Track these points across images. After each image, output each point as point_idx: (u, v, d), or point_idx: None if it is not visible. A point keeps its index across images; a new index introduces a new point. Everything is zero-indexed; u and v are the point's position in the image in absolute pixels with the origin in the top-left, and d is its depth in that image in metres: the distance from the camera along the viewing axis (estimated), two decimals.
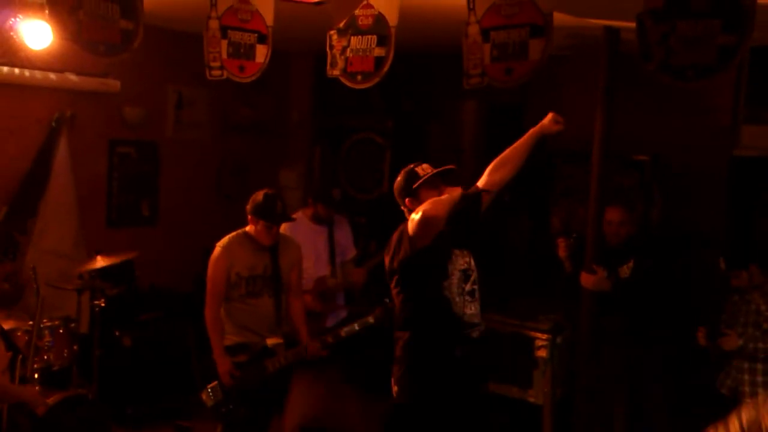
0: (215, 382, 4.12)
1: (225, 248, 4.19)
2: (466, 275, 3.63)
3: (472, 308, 3.64)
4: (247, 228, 4.25)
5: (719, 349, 3.96)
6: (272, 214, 4.14)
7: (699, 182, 5.27)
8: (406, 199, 3.64)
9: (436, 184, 3.59)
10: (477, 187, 3.72)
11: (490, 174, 3.73)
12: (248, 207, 4.20)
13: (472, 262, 3.68)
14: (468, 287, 3.63)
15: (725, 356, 4.04)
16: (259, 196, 4.18)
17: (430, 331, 3.59)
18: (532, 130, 3.78)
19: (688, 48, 2.83)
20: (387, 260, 3.69)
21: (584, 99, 4.34)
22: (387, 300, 3.83)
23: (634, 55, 2.96)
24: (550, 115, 3.76)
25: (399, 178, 3.70)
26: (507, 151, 3.76)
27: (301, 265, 4.51)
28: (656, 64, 2.90)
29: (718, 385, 4.07)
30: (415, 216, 3.47)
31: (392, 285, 3.70)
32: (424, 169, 3.64)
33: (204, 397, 4.13)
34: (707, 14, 2.77)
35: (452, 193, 3.50)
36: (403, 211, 3.69)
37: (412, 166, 3.69)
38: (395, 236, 3.66)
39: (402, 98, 6.75)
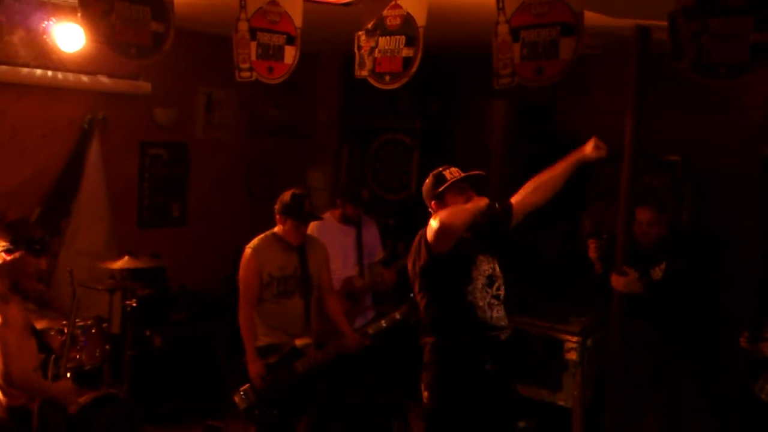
0: (247, 385, 4.13)
1: (255, 250, 4.21)
2: (491, 280, 3.61)
3: (498, 311, 3.62)
4: (276, 229, 4.27)
5: (761, 354, 3.89)
6: (300, 212, 4.16)
7: (732, 182, 5.19)
8: (432, 202, 3.63)
9: (462, 189, 3.56)
10: (510, 203, 3.69)
11: (525, 196, 3.71)
12: (276, 207, 4.23)
13: (497, 268, 3.66)
14: (493, 291, 3.61)
15: (766, 361, 3.96)
16: (287, 195, 4.21)
17: (455, 334, 3.57)
18: (572, 157, 3.71)
19: (720, 46, 2.79)
20: (409, 265, 3.69)
21: (615, 98, 4.29)
22: (412, 295, 3.82)
23: (666, 53, 2.92)
24: (592, 141, 3.69)
25: (427, 181, 3.68)
26: (544, 176, 3.72)
27: (329, 265, 4.52)
28: (688, 62, 2.87)
29: (757, 390, 3.99)
30: (433, 223, 3.44)
31: (415, 290, 3.69)
32: (452, 173, 3.61)
33: (237, 399, 4.15)
34: (739, 11, 2.73)
35: (477, 203, 3.46)
36: (430, 213, 3.67)
37: (440, 169, 3.66)
38: (416, 241, 3.65)
39: (430, 99, 6.74)
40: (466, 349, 3.56)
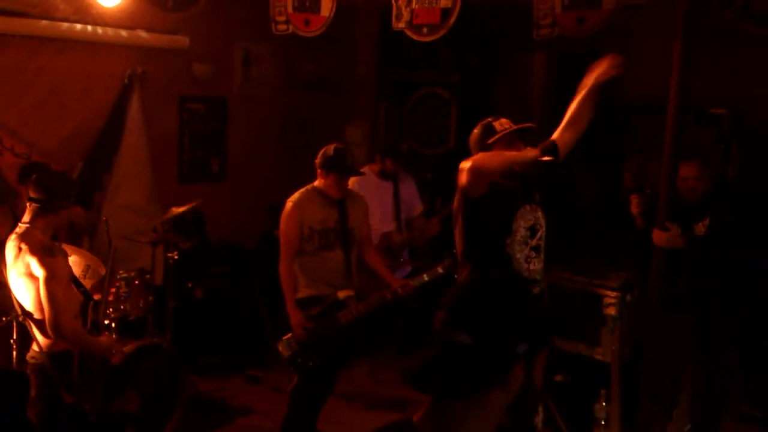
0: (290, 334, 4.20)
1: (296, 203, 4.24)
2: (533, 231, 3.57)
3: (535, 264, 3.59)
4: (316, 183, 4.29)
5: None
6: (343, 166, 4.17)
7: None
8: (480, 153, 3.55)
9: (512, 141, 3.50)
10: (553, 141, 3.52)
11: (562, 132, 3.54)
12: (318, 161, 4.23)
13: (542, 217, 3.62)
14: (533, 243, 3.57)
15: None
16: (330, 149, 4.21)
17: (488, 283, 3.52)
18: (588, 83, 3.47)
19: None
20: (453, 215, 3.67)
21: (659, 49, 4.17)
22: (454, 250, 3.81)
23: (713, 2, 2.83)
24: (607, 59, 3.43)
25: (475, 131, 3.60)
26: (574, 108, 3.53)
27: (368, 219, 4.54)
28: (736, 11, 2.78)
29: None
30: (465, 164, 3.40)
31: (456, 239, 3.67)
32: (502, 125, 3.54)
33: (280, 348, 4.22)
34: None
35: (524, 153, 3.39)
36: None
37: (490, 119, 3.58)
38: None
39: (469, 52, 6.64)
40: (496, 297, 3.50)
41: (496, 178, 3.42)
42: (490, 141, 3.51)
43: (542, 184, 3.59)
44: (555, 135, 3.59)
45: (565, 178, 3.70)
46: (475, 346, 1.53)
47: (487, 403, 1.55)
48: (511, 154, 3.40)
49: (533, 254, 3.58)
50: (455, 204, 3.58)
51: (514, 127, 3.52)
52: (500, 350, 1.54)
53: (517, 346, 1.54)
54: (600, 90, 3.51)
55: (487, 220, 3.51)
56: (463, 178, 3.42)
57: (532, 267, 3.57)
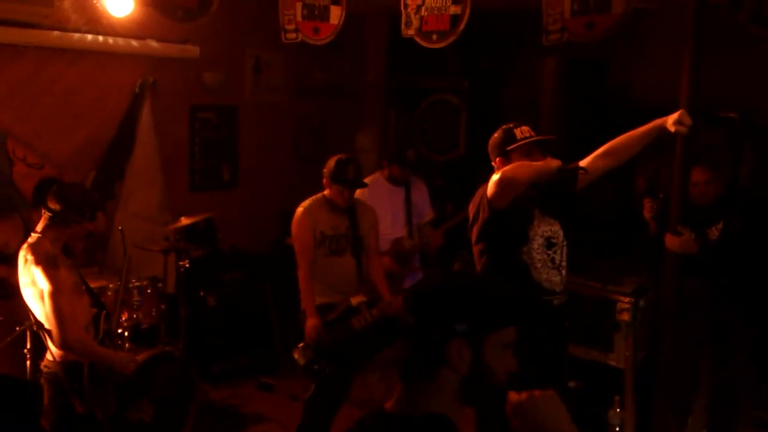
0: (305, 342, 4.19)
1: (306, 209, 4.27)
2: (550, 243, 3.56)
3: (553, 276, 3.58)
4: (326, 192, 4.31)
5: None
6: (344, 179, 4.19)
7: None
8: (497, 159, 3.56)
9: (530, 151, 3.48)
10: (578, 165, 3.51)
11: (595, 158, 3.52)
12: (323, 171, 4.26)
13: (560, 232, 3.60)
14: (551, 255, 3.56)
15: None
16: (332, 162, 4.23)
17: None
18: (652, 124, 3.43)
19: None
20: (470, 221, 3.66)
21: (669, 52, 4.15)
22: (465, 253, 3.80)
23: (724, 5, 2.82)
24: (678, 112, 3.38)
25: (496, 135, 3.59)
26: (620, 139, 3.50)
27: (378, 228, 4.54)
28: (747, 14, 2.76)
29: None
30: (495, 177, 3.41)
31: (473, 247, 3.66)
32: (523, 132, 3.52)
33: (296, 355, 4.21)
34: None
35: (547, 163, 3.37)
36: (491, 168, 3.61)
37: (512, 125, 3.57)
38: (476, 198, 3.61)
39: (478, 57, 6.63)
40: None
41: (522, 191, 3.41)
42: (509, 148, 3.50)
43: (557, 198, 3.57)
44: (585, 160, 3.54)
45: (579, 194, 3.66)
46: (416, 324, 1.67)
47: (439, 381, 1.65)
48: (537, 165, 3.38)
49: (551, 265, 3.57)
50: (479, 217, 3.56)
51: (535, 137, 3.51)
52: (436, 326, 1.64)
53: (454, 324, 1.62)
54: (655, 137, 3.44)
55: (505, 230, 3.49)
56: (491, 190, 3.42)
57: (551, 278, 3.57)
